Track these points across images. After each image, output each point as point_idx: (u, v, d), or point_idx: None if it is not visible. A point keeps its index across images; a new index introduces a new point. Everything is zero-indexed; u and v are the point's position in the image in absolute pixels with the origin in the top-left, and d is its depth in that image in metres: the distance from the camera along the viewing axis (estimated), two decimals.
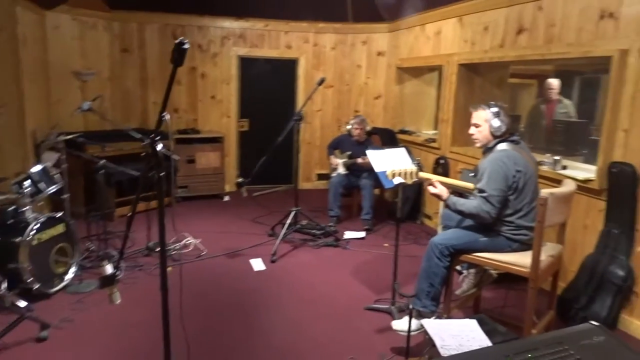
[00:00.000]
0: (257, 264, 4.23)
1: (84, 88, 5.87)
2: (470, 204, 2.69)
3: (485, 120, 2.82)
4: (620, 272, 3.10)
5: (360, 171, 5.35)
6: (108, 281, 2.27)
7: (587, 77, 6.47)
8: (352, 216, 5.69)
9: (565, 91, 5.45)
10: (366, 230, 5.16)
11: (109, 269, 2.30)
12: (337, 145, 5.63)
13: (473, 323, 2.00)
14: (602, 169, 3.26)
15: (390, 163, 3.10)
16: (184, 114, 6.69)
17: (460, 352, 1.67)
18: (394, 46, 6.55)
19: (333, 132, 7.04)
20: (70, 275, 3.62)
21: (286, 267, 4.21)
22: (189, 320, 2.78)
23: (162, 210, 1.95)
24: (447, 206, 2.80)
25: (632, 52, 3.07)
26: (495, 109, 2.80)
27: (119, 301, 2.31)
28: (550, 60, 4.00)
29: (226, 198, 6.48)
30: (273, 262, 4.28)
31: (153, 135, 1.86)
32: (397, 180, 2.76)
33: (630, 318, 3.12)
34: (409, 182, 2.80)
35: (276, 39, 6.82)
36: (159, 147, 1.87)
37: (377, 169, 2.98)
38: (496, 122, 2.78)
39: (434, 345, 1.90)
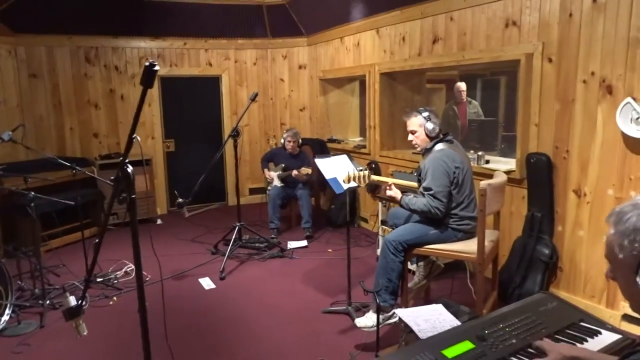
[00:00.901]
0: (207, 283, 4.18)
1: None
2: (421, 202, 2.91)
3: (419, 126, 3.07)
4: (546, 251, 3.49)
5: (295, 182, 5.47)
6: (73, 313, 2.18)
7: (488, 80, 7.14)
8: (291, 227, 5.79)
9: (469, 93, 5.99)
10: (307, 238, 5.28)
11: (72, 300, 2.21)
12: (271, 158, 5.71)
13: (440, 307, 2.19)
14: (520, 160, 3.65)
15: (337, 170, 3.25)
16: (105, 139, 6.42)
17: (436, 333, 1.83)
18: (314, 59, 6.78)
19: (262, 146, 7.11)
20: (5, 317, 3.36)
21: (236, 283, 4.20)
22: (153, 343, 2.71)
23: (135, 230, 1.94)
24: (401, 206, 2.99)
25: (535, 55, 3.50)
26: (426, 114, 3.06)
27: (85, 332, 2.23)
28: (464, 66, 4.39)
29: (159, 221, 6.29)
30: (222, 279, 4.25)
31: (122, 158, 1.85)
32: (352, 184, 2.91)
33: (557, 290, 3.51)
34: (362, 185, 2.97)
35: (196, 57, 6.77)
36: (130, 169, 1.86)
37: (328, 176, 3.11)
38: (430, 125, 3.03)
39: (410, 331, 2.05)
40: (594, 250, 3.26)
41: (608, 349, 1.61)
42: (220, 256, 4.77)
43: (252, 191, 7.27)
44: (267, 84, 7.12)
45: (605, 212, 3.13)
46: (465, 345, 1.59)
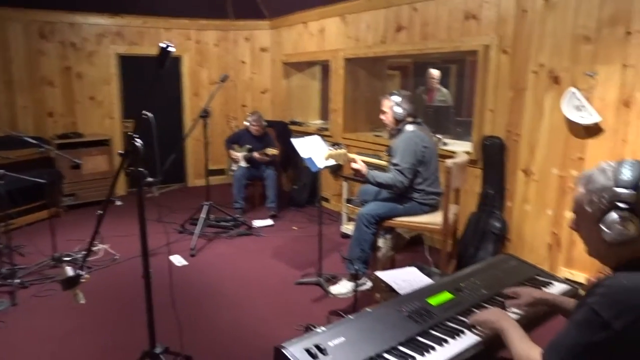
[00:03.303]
0: (178, 260, 4.27)
1: None
2: (387, 176, 3.17)
3: (389, 108, 3.32)
4: (497, 224, 3.86)
5: (260, 163, 5.61)
6: (71, 283, 2.28)
7: (440, 68, 7.52)
8: (255, 207, 5.93)
9: (420, 81, 6.31)
10: (272, 217, 5.45)
11: (69, 271, 2.30)
12: (236, 140, 5.81)
13: (414, 269, 2.45)
14: (476, 143, 4.00)
15: (311, 149, 3.45)
16: (61, 118, 6.25)
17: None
18: (277, 42, 6.88)
19: (223, 128, 7.15)
20: None
21: (208, 259, 4.33)
22: (137, 316, 2.82)
23: (142, 202, 2.05)
24: (367, 180, 3.23)
25: (492, 47, 3.83)
26: (397, 98, 3.31)
27: (83, 301, 2.33)
28: (427, 55, 4.67)
29: (118, 202, 6.22)
30: (193, 256, 4.36)
31: (132, 133, 1.96)
32: (330, 162, 3.12)
33: None
34: (341, 162, 3.19)
35: (156, 36, 6.68)
36: (138, 143, 1.97)
37: (304, 155, 3.30)
38: (397, 109, 3.29)
39: (389, 290, 2.30)
40: (538, 223, 3.67)
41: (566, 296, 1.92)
42: (187, 235, 4.86)
43: (212, 172, 7.30)
44: (228, 66, 7.14)
45: (550, 189, 3.54)
46: (445, 296, 1.85)
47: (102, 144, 6.12)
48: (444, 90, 6.01)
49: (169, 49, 1.80)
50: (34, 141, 3.89)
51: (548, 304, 1.72)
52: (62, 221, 5.38)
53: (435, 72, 5.88)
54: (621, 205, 1.17)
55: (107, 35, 6.38)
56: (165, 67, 1.84)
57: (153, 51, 6.56)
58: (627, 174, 1.19)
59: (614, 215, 1.18)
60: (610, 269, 1.27)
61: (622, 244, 1.18)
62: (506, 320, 1.51)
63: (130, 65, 6.57)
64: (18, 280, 3.66)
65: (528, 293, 1.74)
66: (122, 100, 6.58)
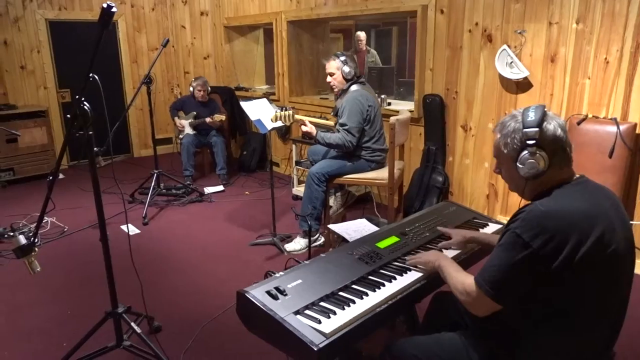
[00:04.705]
0: (130, 229, 4.25)
1: None
2: (335, 137, 3.28)
3: (337, 69, 3.40)
4: (440, 178, 4.10)
5: (208, 130, 5.57)
6: (25, 251, 2.26)
7: (381, 30, 7.64)
8: (205, 174, 5.92)
9: (366, 42, 6.42)
10: (223, 183, 5.47)
11: (22, 239, 2.28)
12: (181, 106, 5.71)
13: (364, 221, 2.60)
14: (418, 101, 4.17)
15: (260, 112, 3.49)
16: None
17: None
18: (216, 5, 6.72)
19: (166, 96, 7.00)
20: None
21: (161, 227, 4.33)
22: (98, 285, 2.84)
23: (93, 167, 2.06)
24: (316, 141, 3.34)
25: (430, 7, 3.96)
26: (343, 58, 3.39)
27: (39, 269, 2.32)
28: (367, 15, 4.74)
29: (61, 175, 6.03)
30: (145, 224, 4.35)
31: (78, 96, 1.94)
32: (278, 123, 3.18)
33: None
34: (288, 123, 3.26)
35: (88, 0, 6.35)
36: (87, 106, 1.96)
37: (253, 117, 3.34)
38: (346, 69, 3.38)
39: (342, 240, 2.45)
40: (478, 175, 3.93)
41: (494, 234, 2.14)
42: (137, 204, 4.82)
43: (159, 142, 7.16)
44: (167, 31, 6.92)
45: (487, 143, 3.79)
46: (392, 239, 2.01)
47: (38, 115, 5.83)
48: (373, 51, 6.17)
49: (113, 9, 1.79)
50: None
51: (478, 241, 1.92)
52: (1, 197, 5.17)
53: (361, 34, 6.03)
54: (529, 142, 1.34)
55: (32, 0, 5.99)
56: (108, 28, 1.83)
57: (85, 16, 6.25)
58: (531, 115, 1.38)
59: (525, 152, 1.35)
60: (528, 201, 1.45)
61: (535, 177, 1.36)
62: (443, 258, 1.68)
63: (60, 32, 6.23)
64: None
65: (459, 233, 1.93)
66: (55, 69, 6.25)
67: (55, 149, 6.06)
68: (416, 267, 1.77)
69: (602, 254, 1.27)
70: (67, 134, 2.08)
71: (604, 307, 1.33)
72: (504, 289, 1.33)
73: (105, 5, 1.77)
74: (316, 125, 3.49)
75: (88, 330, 2.36)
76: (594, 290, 1.30)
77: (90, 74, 1.94)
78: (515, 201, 3.35)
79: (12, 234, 4.02)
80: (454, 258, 1.81)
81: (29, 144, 5.72)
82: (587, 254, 1.24)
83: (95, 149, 2.48)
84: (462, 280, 1.47)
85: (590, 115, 3.13)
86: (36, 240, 2.27)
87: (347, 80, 3.38)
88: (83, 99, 1.96)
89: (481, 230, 2.16)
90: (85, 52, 6.42)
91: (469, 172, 3.99)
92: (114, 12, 1.79)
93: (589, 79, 3.16)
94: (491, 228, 2.22)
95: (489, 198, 3.89)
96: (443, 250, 1.91)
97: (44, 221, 4.32)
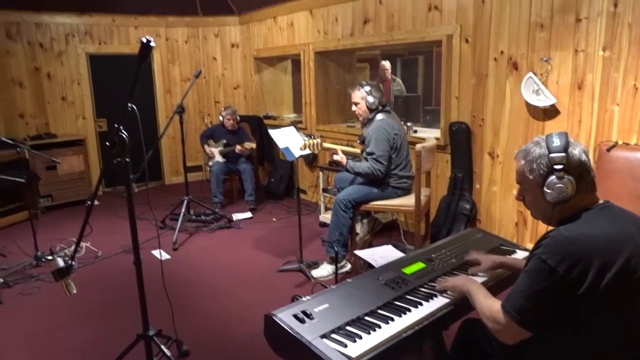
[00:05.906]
0: (161, 254, 4.35)
1: None
2: (364, 165, 3.33)
3: (361, 98, 3.47)
4: (467, 206, 4.08)
5: (237, 157, 5.70)
6: (63, 273, 2.36)
7: (407, 59, 7.74)
8: (233, 201, 6.03)
9: (392, 71, 6.52)
10: (251, 210, 5.56)
11: (60, 262, 2.38)
12: (210, 135, 5.88)
13: (390, 247, 2.62)
14: (444, 129, 4.19)
15: (288, 140, 3.58)
16: (32, 119, 6.21)
17: None
18: (246, 38, 6.96)
19: (197, 124, 7.21)
20: None
21: (190, 252, 4.42)
22: (130, 309, 2.92)
23: (129, 190, 2.15)
24: (346, 170, 3.39)
25: (455, 36, 4.02)
26: (367, 88, 3.46)
27: (75, 291, 2.41)
28: (393, 45, 4.84)
29: (96, 202, 6.23)
30: (175, 250, 4.44)
31: (117, 125, 2.05)
32: (307, 151, 3.25)
33: None
34: (316, 152, 3.33)
35: (126, 34, 6.68)
36: (125, 135, 2.07)
37: (281, 145, 3.43)
38: (370, 99, 3.45)
39: (368, 266, 2.46)
40: (506, 202, 3.89)
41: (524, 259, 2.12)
42: (168, 230, 4.94)
43: (189, 169, 7.35)
44: (199, 63, 7.19)
45: (514, 170, 3.75)
46: (419, 265, 2.02)
47: (76, 144, 6.10)
48: (398, 79, 6.24)
49: (151, 43, 1.90)
50: (10, 141, 3.89)
51: (508, 266, 1.91)
52: (40, 222, 5.38)
53: (386, 64, 6.10)
54: (557, 167, 1.35)
55: (75, 35, 6.34)
56: (147, 60, 1.94)
57: (123, 50, 6.56)
58: (556, 141, 1.40)
59: (553, 177, 1.37)
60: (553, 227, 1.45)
61: (562, 201, 1.37)
62: (471, 283, 1.68)
63: (100, 65, 6.56)
64: (1, 280, 3.69)
65: (489, 258, 1.93)
66: (94, 100, 6.55)
67: (92, 176, 6.29)
68: (445, 291, 1.77)
69: (629, 279, 1.26)
70: (105, 161, 2.18)
71: (629, 335, 1.31)
72: (531, 315, 1.33)
73: (144, 40, 1.89)
74: (346, 154, 3.54)
75: (120, 352, 2.42)
76: (621, 318, 1.28)
77: (129, 104, 2.04)
78: (545, 229, 3.31)
79: (50, 257, 4.17)
80: (483, 284, 1.81)
81: (67, 171, 5.96)
82: (613, 280, 1.23)
83: (131, 176, 2.61)
84: (490, 306, 1.47)
85: (620, 142, 3.09)
86: (73, 263, 2.37)
87: (371, 110, 3.44)
88: (121, 127, 2.07)
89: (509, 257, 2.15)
90: (122, 83, 6.73)
91: (497, 199, 3.96)
92: (152, 47, 1.91)
93: (618, 105, 3.13)
94: (519, 255, 2.20)
95: (517, 226, 3.84)
96: (472, 276, 1.91)
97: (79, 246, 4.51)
